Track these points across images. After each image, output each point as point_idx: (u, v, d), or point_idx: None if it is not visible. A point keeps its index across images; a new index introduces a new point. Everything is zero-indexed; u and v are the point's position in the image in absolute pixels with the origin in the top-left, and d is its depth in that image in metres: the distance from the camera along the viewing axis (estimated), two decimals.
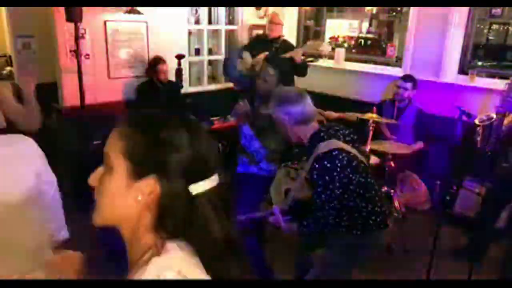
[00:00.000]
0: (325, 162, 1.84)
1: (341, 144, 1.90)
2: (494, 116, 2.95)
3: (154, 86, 3.95)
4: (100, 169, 0.78)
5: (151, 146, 0.72)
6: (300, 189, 2.04)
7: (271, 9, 4.77)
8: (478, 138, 3.01)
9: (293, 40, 5.13)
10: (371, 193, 1.96)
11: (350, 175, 1.86)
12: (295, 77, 4.13)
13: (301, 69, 4.01)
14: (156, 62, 3.93)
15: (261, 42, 4.04)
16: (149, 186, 0.72)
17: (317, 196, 1.88)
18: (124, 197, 0.74)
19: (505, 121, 2.87)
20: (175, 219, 0.73)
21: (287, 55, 3.89)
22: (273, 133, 2.62)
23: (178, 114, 0.82)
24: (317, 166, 1.86)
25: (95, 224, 0.78)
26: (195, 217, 0.73)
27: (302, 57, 3.97)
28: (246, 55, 3.92)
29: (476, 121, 3.05)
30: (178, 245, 0.73)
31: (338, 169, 1.83)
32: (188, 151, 0.73)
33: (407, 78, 3.60)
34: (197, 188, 0.73)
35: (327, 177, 1.83)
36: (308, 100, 2.00)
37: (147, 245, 0.74)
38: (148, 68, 4.04)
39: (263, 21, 4.74)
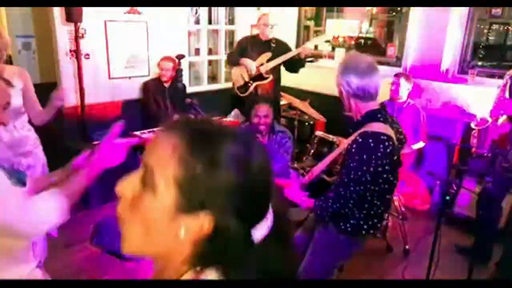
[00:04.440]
0: (370, 140, 1.74)
1: (392, 134, 1.80)
2: (489, 119, 2.97)
3: (160, 85, 3.97)
4: (134, 178, 0.64)
5: (213, 181, 0.59)
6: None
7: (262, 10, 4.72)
8: (474, 140, 3.03)
9: (293, 40, 5.13)
10: (390, 195, 1.91)
11: (386, 167, 1.77)
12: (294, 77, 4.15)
13: (298, 66, 3.99)
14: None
15: (257, 44, 4.01)
16: (199, 223, 0.59)
17: (348, 172, 1.77)
18: (164, 228, 0.61)
19: (499, 123, 2.89)
20: (222, 258, 0.61)
21: (299, 49, 3.90)
22: None
23: (246, 133, 0.68)
24: (360, 140, 1.75)
25: (124, 252, 0.66)
26: (251, 259, 0.62)
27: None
28: (245, 61, 3.91)
29: (472, 125, 3.07)
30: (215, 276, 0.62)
31: (379, 154, 1.73)
32: (255, 184, 0.61)
33: (399, 74, 3.62)
34: (258, 232, 0.62)
35: (365, 156, 1.73)
36: (377, 77, 1.80)
37: (180, 273, 0.63)
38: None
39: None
